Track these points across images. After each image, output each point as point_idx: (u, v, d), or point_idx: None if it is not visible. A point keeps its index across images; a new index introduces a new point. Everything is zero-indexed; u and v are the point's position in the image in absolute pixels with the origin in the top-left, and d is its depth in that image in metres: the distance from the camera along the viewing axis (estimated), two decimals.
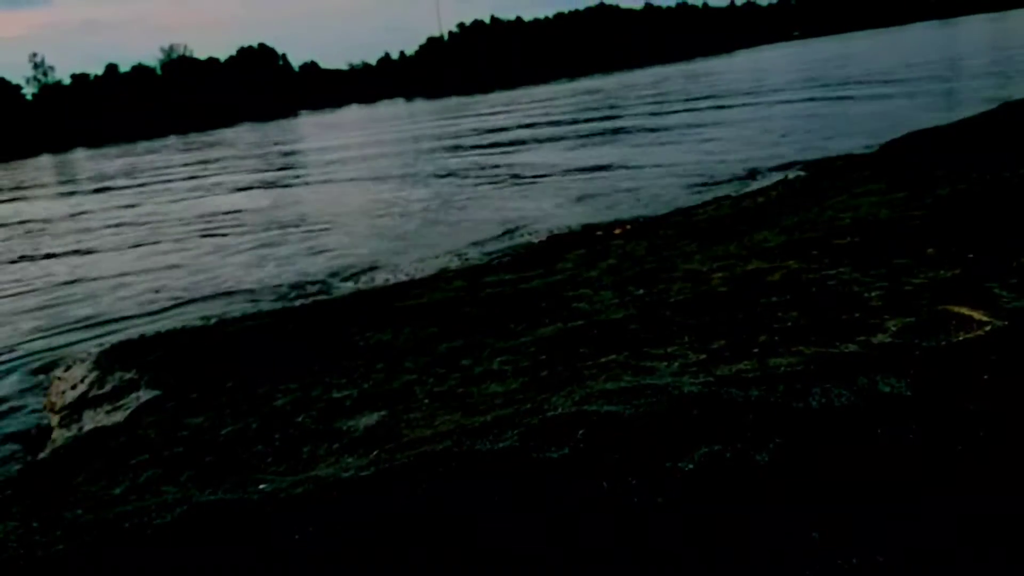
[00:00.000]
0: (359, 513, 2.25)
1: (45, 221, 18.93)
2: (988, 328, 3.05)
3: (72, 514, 3.00)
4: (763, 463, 2.39)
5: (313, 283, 8.67)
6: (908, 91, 21.07)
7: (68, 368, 6.33)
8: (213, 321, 7.19)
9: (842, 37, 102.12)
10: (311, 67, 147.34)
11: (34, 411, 5.74)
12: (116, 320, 8.18)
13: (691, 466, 2.40)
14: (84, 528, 2.68)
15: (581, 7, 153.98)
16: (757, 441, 2.48)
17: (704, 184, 11.84)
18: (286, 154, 33.21)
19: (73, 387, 5.77)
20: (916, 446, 2.38)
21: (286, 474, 2.86)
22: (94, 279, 10.56)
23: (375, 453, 2.85)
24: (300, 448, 3.25)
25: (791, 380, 2.84)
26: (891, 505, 2.14)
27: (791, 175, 11.07)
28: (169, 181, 26.09)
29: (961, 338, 3.02)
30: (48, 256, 13.27)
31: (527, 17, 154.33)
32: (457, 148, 24.17)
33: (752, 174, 12.00)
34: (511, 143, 23.07)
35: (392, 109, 78.07)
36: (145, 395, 4.92)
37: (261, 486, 2.57)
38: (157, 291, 9.27)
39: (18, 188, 32.31)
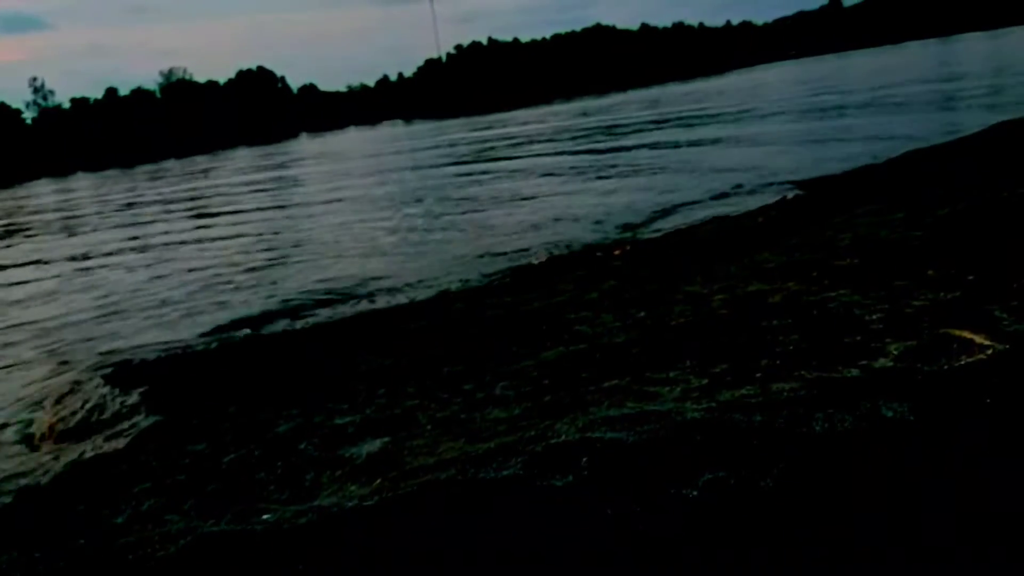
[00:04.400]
0: (363, 544, 2.24)
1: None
2: (990, 352, 3.06)
3: (75, 544, 3.00)
4: (768, 489, 2.39)
5: (313, 307, 8.66)
6: (906, 109, 21.16)
7: (69, 393, 6.31)
8: (214, 345, 7.19)
9: (838, 56, 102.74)
10: (310, 89, 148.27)
11: (35, 437, 5.72)
12: (111, 343, 8.17)
13: (695, 493, 2.40)
14: (87, 559, 2.68)
15: (578, 28, 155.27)
16: (761, 467, 2.48)
17: (703, 202, 11.87)
18: (285, 176, 33.31)
19: (74, 412, 5.75)
20: (920, 471, 2.38)
21: (289, 503, 2.86)
22: (97, 302, 10.57)
23: (378, 482, 2.85)
24: (303, 476, 3.24)
25: (794, 405, 2.84)
26: (896, 528, 2.13)
27: (790, 194, 11.10)
28: (169, 202, 26.17)
29: (963, 362, 3.02)
30: (41, 276, 13.29)
31: (524, 38, 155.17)
32: (457, 169, 24.26)
33: (751, 193, 12.03)
34: (509, 161, 23.17)
35: (392, 131, 78.43)
36: (146, 421, 4.91)
37: (264, 516, 2.56)
38: (156, 316, 9.27)
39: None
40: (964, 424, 2.57)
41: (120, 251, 15.91)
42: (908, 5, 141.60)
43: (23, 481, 4.81)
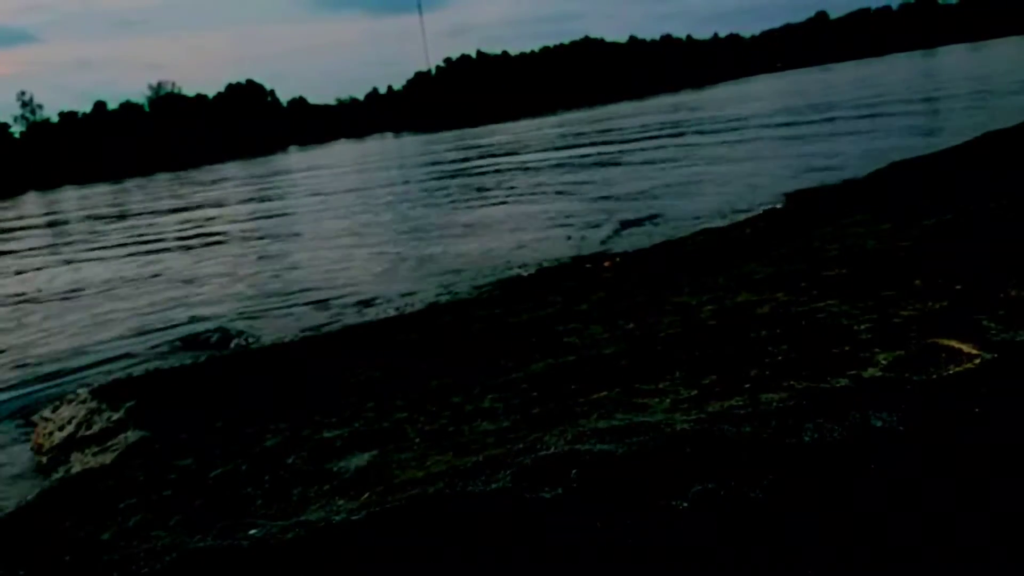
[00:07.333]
0: (350, 560, 2.22)
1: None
2: (978, 361, 3.06)
3: (60, 560, 2.97)
4: (757, 500, 2.38)
5: (301, 319, 8.63)
6: (891, 120, 21.31)
7: (56, 409, 6.26)
8: (202, 359, 7.15)
9: (824, 68, 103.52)
10: (299, 102, 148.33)
11: (21, 452, 5.67)
12: (103, 355, 8.12)
13: (685, 504, 2.39)
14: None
15: (567, 41, 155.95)
16: (751, 478, 2.48)
17: (690, 213, 11.91)
18: (273, 190, 33.27)
19: (61, 428, 5.70)
20: (910, 481, 2.37)
21: (276, 518, 2.83)
22: (75, 315, 10.50)
23: (366, 496, 2.83)
24: (290, 490, 3.22)
25: (783, 416, 2.84)
26: (888, 539, 2.13)
27: (777, 205, 11.15)
28: (157, 214, 26.09)
29: (951, 371, 3.02)
30: (28, 296, 13.21)
31: (513, 51, 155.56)
32: (445, 181, 24.27)
33: (737, 204, 12.07)
34: (498, 172, 23.20)
35: (381, 144, 78.49)
36: (133, 436, 4.86)
37: (251, 531, 2.54)
38: (145, 327, 9.22)
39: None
40: (954, 433, 2.57)
41: (106, 259, 15.84)
42: (892, 18, 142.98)
43: (8, 496, 4.77)
